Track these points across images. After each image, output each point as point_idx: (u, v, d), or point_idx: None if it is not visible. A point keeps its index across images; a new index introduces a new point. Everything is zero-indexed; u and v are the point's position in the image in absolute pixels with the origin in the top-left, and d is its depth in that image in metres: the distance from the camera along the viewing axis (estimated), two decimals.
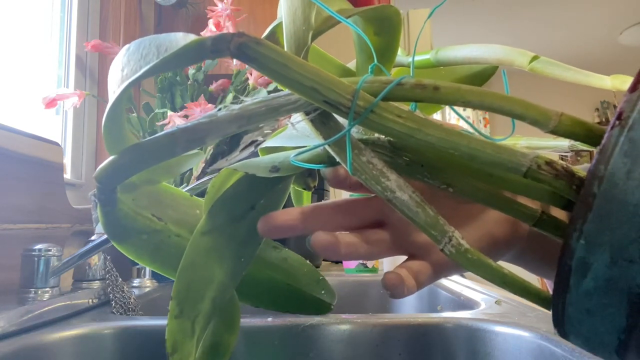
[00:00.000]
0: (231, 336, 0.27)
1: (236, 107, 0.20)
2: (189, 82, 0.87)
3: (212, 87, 0.91)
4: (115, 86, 0.22)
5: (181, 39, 0.20)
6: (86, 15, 1.00)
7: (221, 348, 0.27)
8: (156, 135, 0.21)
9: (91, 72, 1.00)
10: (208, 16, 0.88)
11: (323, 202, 0.27)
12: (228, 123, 0.20)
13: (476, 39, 3.54)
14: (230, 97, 0.87)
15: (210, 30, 0.86)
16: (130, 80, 0.19)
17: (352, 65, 0.31)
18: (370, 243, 0.27)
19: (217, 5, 0.86)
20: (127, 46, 0.23)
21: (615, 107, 4.16)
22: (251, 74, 0.88)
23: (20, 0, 0.85)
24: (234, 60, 0.91)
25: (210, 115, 0.20)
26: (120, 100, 0.21)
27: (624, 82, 0.30)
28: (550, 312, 0.23)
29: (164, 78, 0.86)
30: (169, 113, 0.77)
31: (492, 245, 0.28)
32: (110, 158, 0.22)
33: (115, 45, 0.87)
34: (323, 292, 0.30)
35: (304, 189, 0.29)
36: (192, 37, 0.19)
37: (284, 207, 0.28)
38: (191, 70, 0.88)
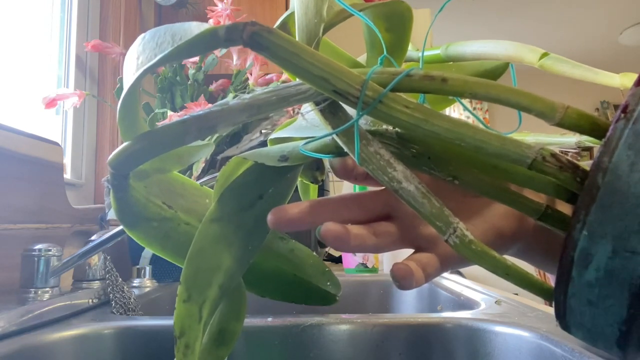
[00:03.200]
0: (237, 324, 0.28)
1: (247, 96, 0.21)
2: (189, 82, 0.87)
3: (212, 87, 0.91)
4: (130, 74, 0.22)
5: (195, 27, 0.21)
6: (86, 15, 1.00)
7: (227, 335, 0.27)
8: (169, 122, 0.22)
9: (91, 72, 1.00)
10: (208, 16, 0.88)
11: (330, 195, 0.27)
12: (239, 112, 0.21)
13: (475, 38, 3.55)
14: (230, 97, 0.87)
15: None
16: (145, 67, 0.20)
17: (362, 59, 0.32)
18: (378, 235, 0.27)
19: (217, 5, 0.87)
20: (142, 35, 0.24)
21: (615, 107, 4.18)
22: (251, 74, 0.88)
23: (20, 1, 0.85)
24: (234, 61, 0.91)
25: (221, 104, 0.20)
26: (135, 88, 0.21)
27: (633, 81, 0.30)
28: (550, 312, 0.23)
29: (164, 78, 0.86)
30: (169, 113, 0.77)
31: (497, 238, 0.28)
32: (124, 144, 0.23)
33: (115, 45, 0.88)
34: (329, 283, 0.30)
35: (311, 182, 0.29)
36: (206, 26, 0.20)
37: (291, 200, 0.28)
38: (191, 70, 0.88)
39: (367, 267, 0.99)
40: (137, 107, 0.23)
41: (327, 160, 0.28)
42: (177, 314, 0.23)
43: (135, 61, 0.22)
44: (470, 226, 0.27)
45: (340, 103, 0.23)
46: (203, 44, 0.19)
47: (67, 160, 0.93)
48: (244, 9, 1.20)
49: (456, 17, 3.20)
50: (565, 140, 0.33)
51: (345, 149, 0.23)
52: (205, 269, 0.24)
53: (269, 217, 0.25)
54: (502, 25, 3.39)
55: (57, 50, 0.94)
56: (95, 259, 0.64)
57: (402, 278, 0.25)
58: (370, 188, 0.29)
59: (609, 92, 4.12)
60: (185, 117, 0.21)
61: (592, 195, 0.20)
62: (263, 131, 0.65)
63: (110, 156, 0.23)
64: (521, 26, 3.39)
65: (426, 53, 0.35)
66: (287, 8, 1.28)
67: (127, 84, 0.22)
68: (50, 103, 0.79)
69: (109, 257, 0.65)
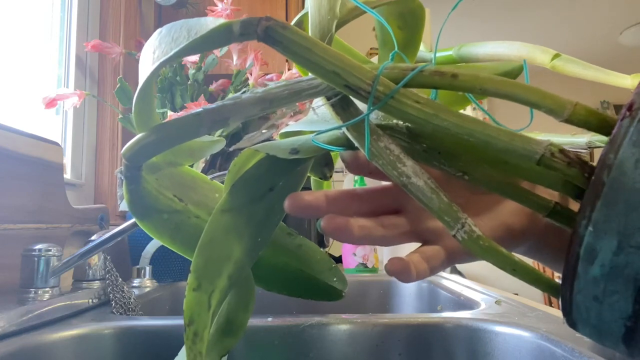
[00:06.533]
0: (245, 315, 0.28)
1: (259, 90, 0.21)
2: (189, 82, 0.87)
3: (212, 87, 0.91)
4: (146, 67, 0.22)
5: (211, 22, 0.21)
6: (86, 15, 1.00)
7: (235, 325, 0.27)
8: (183, 115, 0.22)
9: (91, 72, 1.00)
10: (208, 16, 0.88)
11: (344, 188, 0.28)
12: (251, 105, 0.21)
13: (474, 39, 3.56)
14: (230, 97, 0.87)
15: None
16: (161, 60, 0.20)
17: (375, 61, 0.32)
18: (386, 227, 0.27)
19: (217, 5, 0.87)
20: (159, 30, 0.24)
21: (615, 107, 4.17)
22: (251, 74, 0.89)
23: (20, 0, 0.85)
24: (234, 61, 0.91)
25: (234, 98, 0.21)
26: (151, 81, 0.21)
27: None
28: (550, 312, 0.23)
29: (164, 78, 0.86)
30: (169, 113, 0.77)
31: (507, 235, 0.28)
32: (138, 136, 0.23)
33: (115, 45, 0.88)
34: (335, 279, 0.31)
35: (320, 177, 0.29)
36: (221, 21, 0.20)
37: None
38: (191, 70, 0.88)
39: (367, 267, 1.00)
40: (152, 100, 0.24)
41: (338, 156, 0.28)
42: (186, 302, 0.23)
43: (151, 55, 0.23)
44: (479, 222, 0.28)
45: (352, 98, 0.23)
46: (218, 38, 0.20)
47: (67, 160, 0.92)
48: (244, 8, 1.20)
49: (455, 18, 3.21)
50: (575, 140, 0.33)
51: (356, 144, 0.24)
52: (216, 258, 0.24)
53: (286, 202, 0.26)
54: (502, 26, 3.39)
55: (57, 50, 0.94)
56: (95, 259, 0.64)
57: (396, 272, 0.25)
58: (372, 182, 0.30)
59: (609, 92, 4.11)
60: (200, 109, 0.21)
61: (597, 191, 0.21)
62: (264, 131, 0.65)
63: (125, 147, 0.23)
64: (521, 27, 3.40)
65: (438, 54, 0.35)
66: (287, 8, 1.28)
67: (142, 77, 0.22)
68: (50, 103, 0.79)
69: (109, 257, 0.65)
